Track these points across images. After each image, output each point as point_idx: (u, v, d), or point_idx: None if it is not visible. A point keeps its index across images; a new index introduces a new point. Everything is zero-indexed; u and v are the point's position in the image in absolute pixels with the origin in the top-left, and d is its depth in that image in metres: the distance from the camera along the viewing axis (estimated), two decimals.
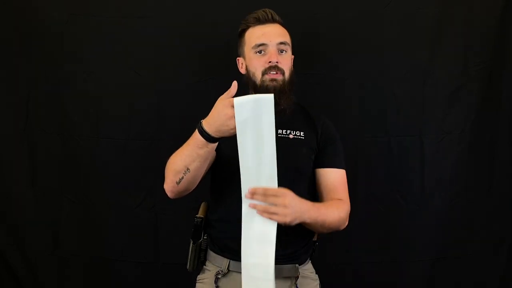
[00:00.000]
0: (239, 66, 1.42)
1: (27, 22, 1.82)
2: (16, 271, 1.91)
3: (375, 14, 1.80)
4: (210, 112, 1.15)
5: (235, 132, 1.10)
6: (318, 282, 1.40)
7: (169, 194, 1.28)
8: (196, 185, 1.27)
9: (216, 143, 1.18)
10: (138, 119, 1.84)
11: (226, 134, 1.13)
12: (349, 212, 1.32)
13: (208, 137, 1.14)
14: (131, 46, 1.82)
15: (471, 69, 1.82)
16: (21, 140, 1.87)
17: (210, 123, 1.14)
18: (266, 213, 1.12)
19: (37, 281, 1.92)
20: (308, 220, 1.18)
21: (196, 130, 1.16)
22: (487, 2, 1.80)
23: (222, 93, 1.79)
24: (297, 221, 1.14)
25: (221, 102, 1.13)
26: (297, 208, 1.13)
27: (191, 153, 1.18)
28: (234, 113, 1.09)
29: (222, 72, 1.74)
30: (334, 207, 1.28)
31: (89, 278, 1.91)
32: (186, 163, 1.19)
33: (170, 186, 1.25)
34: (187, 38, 1.81)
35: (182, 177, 1.21)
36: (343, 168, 1.37)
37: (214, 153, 1.26)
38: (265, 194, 1.12)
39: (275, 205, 1.11)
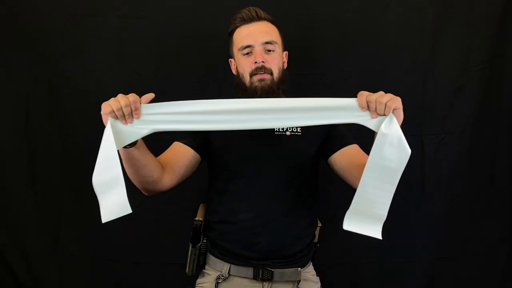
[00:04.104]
0: (232, 67, 1.40)
1: (27, 22, 1.82)
2: (16, 271, 1.91)
3: (375, 14, 1.80)
4: None
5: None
6: (319, 284, 1.39)
7: None
8: (151, 188, 1.26)
9: (129, 149, 1.13)
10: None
11: (102, 108, 1.10)
12: None
13: None
14: (131, 46, 1.82)
15: (471, 69, 1.82)
16: (21, 140, 1.87)
17: None
18: (384, 105, 1.07)
19: (37, 281, 1.92)
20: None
21: None
22: (487, 2, 1.80)
23: (222, 93, 1.81)
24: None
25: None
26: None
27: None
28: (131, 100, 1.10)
29: (222, 72, 1.74)
30: None
31: (89, 278, 1.91)
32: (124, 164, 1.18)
33: None
34: (187, 38, 1.81)
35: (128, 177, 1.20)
36: (355, 143, 1.31)
37: (191, 160, 1.29)
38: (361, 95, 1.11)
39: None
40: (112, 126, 1.10)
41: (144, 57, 1.82)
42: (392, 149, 1.07)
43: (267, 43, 1.30)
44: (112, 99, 1.12)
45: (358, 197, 1.11)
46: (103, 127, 1.78)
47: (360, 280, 1.90)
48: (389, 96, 1.08)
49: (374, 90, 1.80)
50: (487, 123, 1.86)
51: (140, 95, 1.83)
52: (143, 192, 1.28)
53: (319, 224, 1.42)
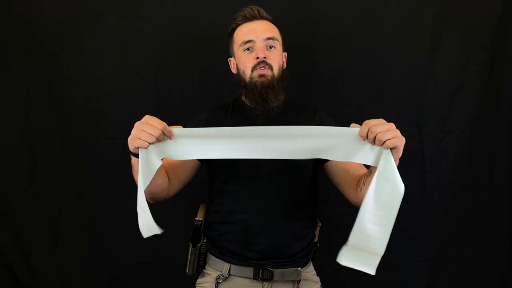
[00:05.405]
0: (231, 66, 1.40)
1: (27, 22, 1.82)
2: (16, 271, 1.91)
3: (375, 14, 1.80)
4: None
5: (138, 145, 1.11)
6: (319, 284, 1.39)
7: None
8: (159, 200, 1.29)
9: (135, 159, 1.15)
10: (138, 119, 1.83)
11: (134, 144, 1.11)
12: None
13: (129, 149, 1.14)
14: (131, 46, 1.82)
15: (471, 69, 1.82)
16: (21, 140, 1.87)
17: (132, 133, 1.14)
18: (385, 140, 1.03)
19: (37, 281, 1.92)
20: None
21: None
22: (487, 2, 1.80)
23: (222, 93, 1.81)
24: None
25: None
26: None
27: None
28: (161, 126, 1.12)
29: (222, 72, 1.74)
30: None
31: (89, 278, 1.91)
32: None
33: None
34: (187, 38, 1.81)
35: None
36: None
37: (189, 165, 1.30)
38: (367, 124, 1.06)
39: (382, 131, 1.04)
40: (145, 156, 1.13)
41: (144, 57, 1.82)
42: (387, 185, 1.07)
43: (268, 39, 1.30)
44: (138, 132, 1.12)
45: (355, 231, 1.10)
46: (103, 126, 1.77)
47: (360, 280, 1.89)
48: (392, 134, 1.04)
49: (373, 90, 1.81)
50: (487, 123, 1.85)
51: (140, 94, 1.84)
52: (150, 202, 1.27)
53: (319, 224, 1.42)
